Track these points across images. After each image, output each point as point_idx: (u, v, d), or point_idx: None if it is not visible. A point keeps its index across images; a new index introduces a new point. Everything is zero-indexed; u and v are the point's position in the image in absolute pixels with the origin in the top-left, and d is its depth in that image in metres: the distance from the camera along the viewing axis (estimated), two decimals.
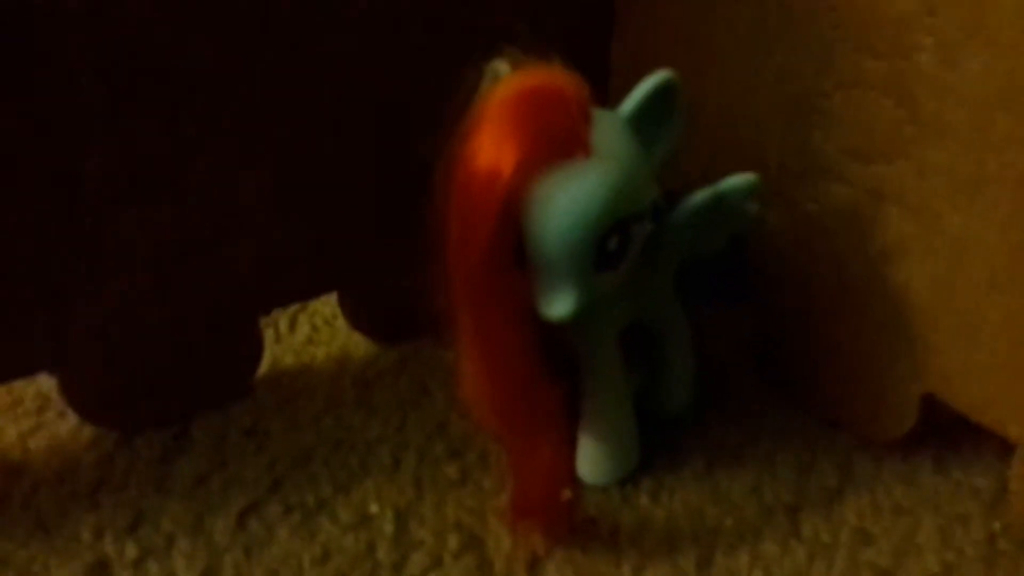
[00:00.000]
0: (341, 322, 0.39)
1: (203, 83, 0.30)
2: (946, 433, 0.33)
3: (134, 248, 0.31)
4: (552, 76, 0.26)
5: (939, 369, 0.30)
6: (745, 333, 0.37)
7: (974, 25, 0.27)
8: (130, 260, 0.31)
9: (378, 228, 0.35)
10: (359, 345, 0.38)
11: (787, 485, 0.32)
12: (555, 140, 0.25)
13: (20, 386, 0.36)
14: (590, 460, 0.32)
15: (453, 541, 0.30)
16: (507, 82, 0.26)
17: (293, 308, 0.40)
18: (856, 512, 0.31)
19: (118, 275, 0.31)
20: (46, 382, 0.35)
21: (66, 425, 0.34)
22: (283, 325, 0.39)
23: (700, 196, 0.30)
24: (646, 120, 0.27)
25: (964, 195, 0.28)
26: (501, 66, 0.27)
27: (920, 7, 0.28)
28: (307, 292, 0.37)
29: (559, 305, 0.26)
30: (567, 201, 0.25)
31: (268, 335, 0.38)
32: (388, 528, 0.31)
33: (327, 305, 0.40)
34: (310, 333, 0.39)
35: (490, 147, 0.25)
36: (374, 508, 0.31)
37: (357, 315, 0.38)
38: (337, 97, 0.32)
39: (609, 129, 0.26)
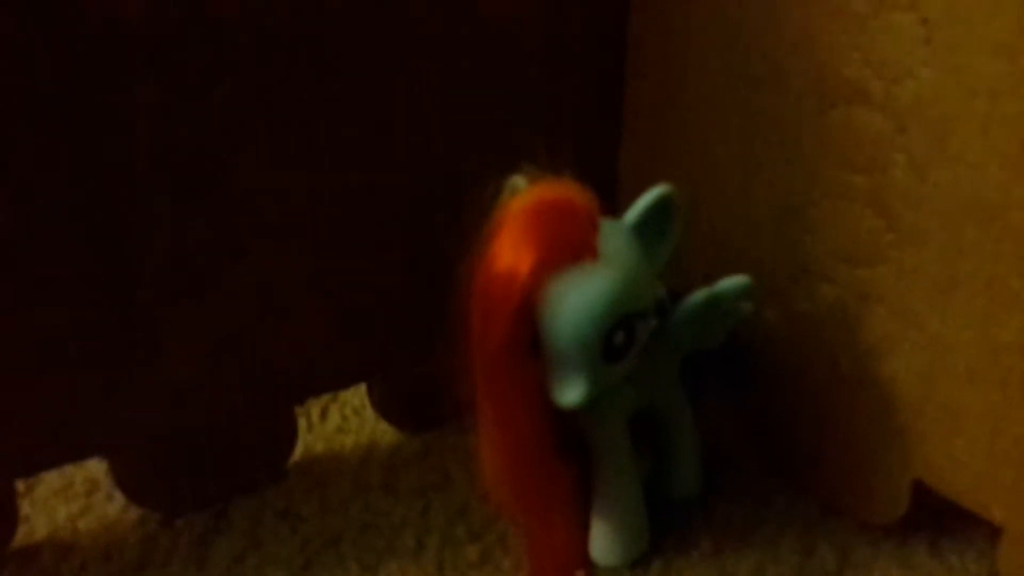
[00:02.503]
0: (369, 412, 0.41)
1: (252, 191, 0.33)
2: (940, 518, 0.35)
3: (183, 343, 0.33)
4: (564, 190, 0.29)
5: (926, 457, 0.32)
6: (748, 422, 0.39)
7: (941, 144, 0.29)
8: (179, 354, 0.34)
9: (405, 323, 0.37)
10: (386, 433, 0.40)
11: (790, 567, 0.34)
12: (566, 246, 0.28)
13: (71, 470, 0.38)
14: (602, 542, 0.33)
15: None
16: (524, 194, 0.29)
17: (324, 398, 0.42)
18: None
19: (167, 367, 0.33)
20: (94, 467, 0.38)
21: (113, 507, 0.36)
22: (315, 414, 0.41)
23: (698, 296, 0.32)
24: (647, 228, 0.30)
25: (941, 296, 0.31)
26: (519, 180, 0.30)
27: (892, 126, 0.30)
28: (338, 383, 0.39)
29: (571, 393, 0.29)
30: (577, 300, 0.28)
31: (301, 424, 0.40)
32: None
33: (356, 396, 0.42)
34: (340, 422, 0.41)
35: (509, 251, 0.28)
36: None
37: (384, 405, 0.40)
38: (369, 206, 0.35)
39: (614, 236, 0.29)
